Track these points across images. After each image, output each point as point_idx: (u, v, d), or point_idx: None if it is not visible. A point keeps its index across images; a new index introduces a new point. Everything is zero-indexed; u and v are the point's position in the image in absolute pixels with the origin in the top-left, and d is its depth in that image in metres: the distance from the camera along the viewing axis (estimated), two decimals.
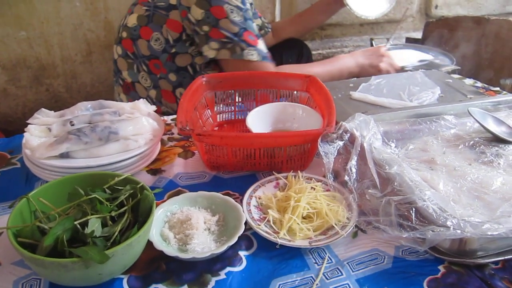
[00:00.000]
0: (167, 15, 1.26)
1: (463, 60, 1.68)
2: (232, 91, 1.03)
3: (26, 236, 0.56)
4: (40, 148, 0.76)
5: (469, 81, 1.27)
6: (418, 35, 2.17)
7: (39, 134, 0.80)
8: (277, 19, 2.19)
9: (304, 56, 1.80)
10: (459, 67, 1.63)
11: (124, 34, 1.32)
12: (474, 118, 0.84)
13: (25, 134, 0.80)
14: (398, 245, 0.66)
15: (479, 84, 1.25)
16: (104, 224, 0.58)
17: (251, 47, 1.19)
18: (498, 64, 1.83)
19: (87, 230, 0.55)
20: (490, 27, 1.94)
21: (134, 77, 1.34)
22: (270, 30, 1.66)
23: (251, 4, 1.32)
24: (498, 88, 1.24)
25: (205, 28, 1.18)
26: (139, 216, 0.61)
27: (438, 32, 2.01)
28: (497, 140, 0.82)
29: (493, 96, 1.11)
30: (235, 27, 1.17)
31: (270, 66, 1.24)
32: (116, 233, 0.57)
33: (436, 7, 2.43)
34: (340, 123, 0.77)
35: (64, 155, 0.77)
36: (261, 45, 1.23)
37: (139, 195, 0.63)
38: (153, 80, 1.33)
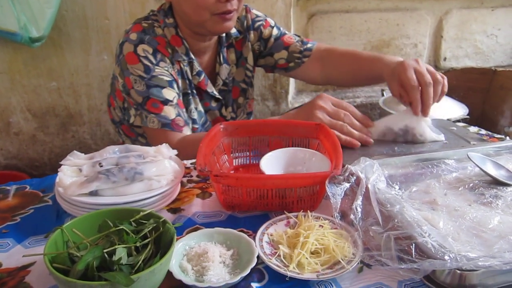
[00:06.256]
0: (115, 85, 1.35)
1: (470, 109, 1.74)
2: (247, 137, 1.11)
3: (59, 263, 0.63)
4: (72, 186, 0.84)
5: (473, 129, 1.33)
6: None
7: (71, 174, 0.88)
8: None
9: None
10: (468, 116, 1.70)
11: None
12: (473, 162, 0.89)
13: (58, 173, 0.88)
14: (401, 280, 0.70)
15: (483, 131, 1.31)
16: (129, 254, 0.64)
17: (152, 114, 1.22)
18: (503, 114, 1.89)
19: (115, 258, 0.62)
20: (496, 78, 2.02)
21: (121, 138, 1.45)
22: (305, 58, 1.48)
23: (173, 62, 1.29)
24: (502, 136, 1.29)
25: (125, 95, 1.27)
26: (161, 247, 0.67)
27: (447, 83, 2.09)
28: (496, 182, 0.88)
29: (495, 142, 1.17)
30: (139, 96, 1.22)
31: (169, 135, 1.22)
32: (140, 262, 0.63)
33: (445, 59, 2.53)
34: (346, 166, 0.83)
35: (93, 193, 0.84)
36: (167, 111, 1.22)
37: (161, 228, 0.69)
38: (132, 142, 1.43)
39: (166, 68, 1.25)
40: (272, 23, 1.50)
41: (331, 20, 2.28)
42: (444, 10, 2.43)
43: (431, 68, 1.14)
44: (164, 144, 1.00)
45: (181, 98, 1.28)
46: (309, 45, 1.50)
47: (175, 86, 1.26)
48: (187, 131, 1.25)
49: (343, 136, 1.07)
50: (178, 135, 1.23)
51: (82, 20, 1.94)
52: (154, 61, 1.23)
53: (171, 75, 1.26)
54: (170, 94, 1.24)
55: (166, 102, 1.22)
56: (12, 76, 1.97)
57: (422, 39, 2.44)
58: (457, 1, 2.43)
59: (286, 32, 1.52)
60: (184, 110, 1.27)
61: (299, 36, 1.53)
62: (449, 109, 1.72)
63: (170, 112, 1.23)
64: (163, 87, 1.22)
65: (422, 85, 1.09)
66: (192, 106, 1.35)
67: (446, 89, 1.14)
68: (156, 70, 1.23)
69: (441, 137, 1.14)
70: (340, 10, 2.27)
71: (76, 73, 2.03)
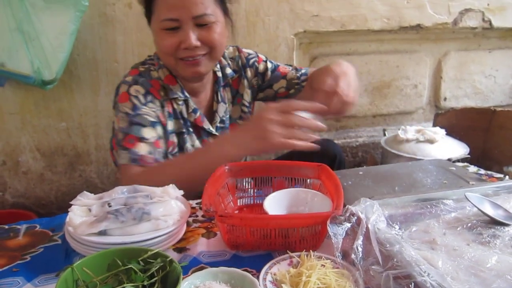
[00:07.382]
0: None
1: (471, 148, 1.77)
2: (251, 178, 1.14)
3: None
4: (82, 226, 0.87)
5: (472, 169, 1.35)
6: (429, 125, 2.30)
7: (81, 214, 0.92)
8: None
9: (337, 158, 1.55)
10: (469, 155, 1.73)
11: (108, 145, 1.48)
12: (471, 202, 0.92)
13: (69, 213, 0.92)
14: None
15: (482, 171, 1.34)
16: None
17: (125, 150, 1.24)
18: (504, 153, 1.92)
19: None
20: (496, 117, 2.06)
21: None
22: (304, 83, 1.53)
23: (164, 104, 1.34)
24: (501, 175, 1.32)
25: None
26: (168, 286, 0.70)
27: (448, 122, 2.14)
28: (494, 222, 0.90)
29: (493, 182, 1.19)
30: (120, 133, 1.27)
31: (132, 170, 1.22)
32: None
33: (445, 99, 2.58)
34: (347, 207, 0.86)
35: (102, 233, 0.87)
36: (139, 147, 1.23)
37: (168, 267, 0.72)
38: None
39: (153, 110, 1.30)
40: (264, 58, 1.58)
41: (333, 62, 2.35)
42: (442, 52, 2.50)
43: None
44: (171, 185, 1.03)
45: (167, 139, 1.32)
46: (303, 71, 1.58)
47: (158, 127, 1.30)
48: None
49: (301, 143, 1.09)
50: (137, 169, 1.24)
51: (92, 63, 2.02)
52: (143, 101, 1.28)
53: (157, 117, 1.31)
54: (149, 133, 1.27)
55: (141, 139, 1.25)
56: (23, 117, 2.03)
57: (422, 80, 2.50)
58: (455, 44, 2.50)
59: (279, 63, 1.60)
60: (161, 150, 1.29)
61: (291, 65, 1.62)
62: (450, 148, 1.76)
63: (141, 148, 1.24)
64: (144, 126, 1.26)
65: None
66: (188, 144, 1.39)
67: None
68: (143, 109, 1.28)
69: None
70: (341, 52, 2.34)
71: (85, 113, 2.09)
